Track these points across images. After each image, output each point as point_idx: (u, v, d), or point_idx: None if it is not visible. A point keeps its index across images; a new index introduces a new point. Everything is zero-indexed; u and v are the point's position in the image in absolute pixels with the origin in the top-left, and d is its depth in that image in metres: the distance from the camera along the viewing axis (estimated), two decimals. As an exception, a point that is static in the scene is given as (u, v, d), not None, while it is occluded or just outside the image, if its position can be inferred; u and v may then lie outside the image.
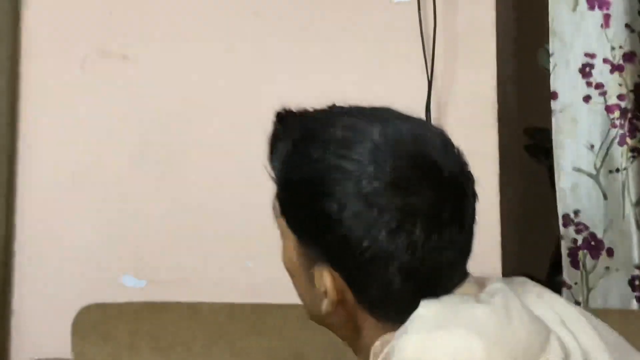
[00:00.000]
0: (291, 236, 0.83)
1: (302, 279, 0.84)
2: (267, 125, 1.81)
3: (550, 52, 1.65)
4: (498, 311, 0.74)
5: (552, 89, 1.62)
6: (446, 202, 0.75)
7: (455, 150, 0.80)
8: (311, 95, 1.81)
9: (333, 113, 0.84)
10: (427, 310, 0.74)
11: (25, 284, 1.98)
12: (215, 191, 1.88)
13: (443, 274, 0.78)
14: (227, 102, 1.89)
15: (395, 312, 0.77)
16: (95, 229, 1.95)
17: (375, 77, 1.77)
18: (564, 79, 1.62)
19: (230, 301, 1.70)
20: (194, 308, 1.68)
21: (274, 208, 0.86)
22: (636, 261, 1.56)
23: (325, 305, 0.79)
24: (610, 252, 1.57)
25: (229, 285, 1.81)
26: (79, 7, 2.02)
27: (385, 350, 0.74)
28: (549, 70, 1.68)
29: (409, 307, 0.75)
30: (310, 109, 0.87)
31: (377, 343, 0.77)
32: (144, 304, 1.73)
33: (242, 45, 1.88)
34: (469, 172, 0.80)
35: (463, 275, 0.81)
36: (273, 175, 0.85)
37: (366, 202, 0.74)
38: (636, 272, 1.56)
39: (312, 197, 0.77)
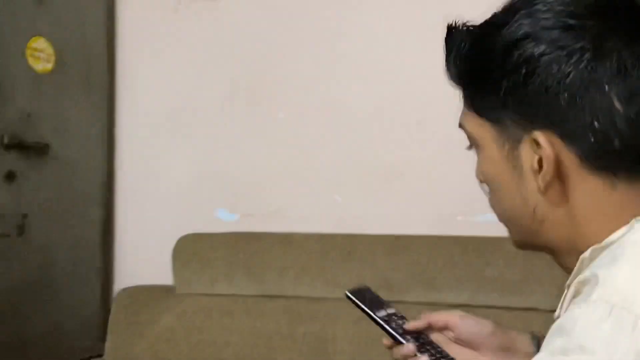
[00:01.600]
0: (487, 132, 0.74)
1: (508, 178, 0.74)
2: (351, 65, 1.83)
3: None
4: None
5: None
6: None
7: None
8: (394, 35, 1.81)
9: (509, 9, 0.72)
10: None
11: (127, 217, 2.06)
12: (304, 129, 1.89)
13: None
14: (311, 41, 1.90)
15: (625, 163, 0.67)
16: (190, 166, 1.99)
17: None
18: None
19: (320, 232, 1.73)
20: (286, 238, 1.72)
21: (461, 121, 0.78)
22: None
23: (541, 178, 0.69)
24: None
25: (319, 218, 1.83)
26: None
27: (588, 272, 0.64)
28: None
29: (635, 150, 0.67)
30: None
31: (587, 253, 0.68)
32: (239, 234, 1.79)
33: None
34: None
35: None
36: (455, 77, 0.77)
37: (562, 28, 0.67)
38: None
39: (505, 53, 0.69)
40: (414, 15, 1.78)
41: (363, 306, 0.96)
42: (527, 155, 0.70)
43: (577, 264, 0.69)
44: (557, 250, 0.75)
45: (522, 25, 0.68)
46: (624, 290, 0.60)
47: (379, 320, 0.94)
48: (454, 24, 0.76)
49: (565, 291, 0.69)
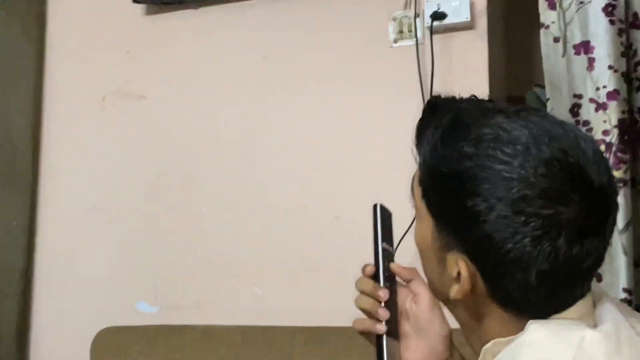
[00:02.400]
0: (429, 219, 0.80)
1: (433, 260, 0.81)
2: (273, 161, 1.87)
3: (547, 96, 1.66)
4: (608, 339, 0.70)
5: None
6: (592, 213, 0.72)
7: (605, 160, 0.75)
8: (315, 132, 1.87)
9: (484, 109, 0.78)
10: (536, 336, 0.72)
11: (45, 309, 2.01)
12: (225, 223, 1.89)
13: (578, 281, 0.75)
14: (235, 138, 1.91)
15: (525, 307, 0.75)
16: (112, 258, 1.97)
17: (377, 116, 1.79)
18: None
19: (239, 324, 1.73)
20: (206, 331, 1.73)
21: (413, 188, 0.83)
22: (624, 285, 1.58)
23: (454, 291, 0.77)
24: (599, 278, 1.59)
25: (239, 310, 1.82)
26: (100, 49, 2.09)
27: None
28: None
29: (540, 306, 0.74)
30: (461, 100, 0.83)
31: (489, 345, 0.76)
32: (159, 327, 1.78)
33: (250, 86, 1.91)
34: (615, 183, 0.76)
35: (590, 285, 0.78)
36: (417, 158, 0.82)
37: (515, 207, 0.70)
38: (624, 294, 1.58)
39: (460, 192, 0.74)
40: (333, 115, 1.83)
41: (379, 226, 0.93)
42: (450, 262, 0.77)
43: (481, 354, 0.76)
44: (464, 328, 0.83)
45: (483, 179, 0.72)
46: None
47: (380, 250, 0.93)
48: (434, 99, 0.84)
49: None
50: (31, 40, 2.10)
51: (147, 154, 1.99)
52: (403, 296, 0.95)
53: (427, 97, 1.65)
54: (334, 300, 1.76)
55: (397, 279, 0.95)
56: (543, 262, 0.71)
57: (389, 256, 0.94)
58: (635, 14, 1.62)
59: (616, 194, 0.76)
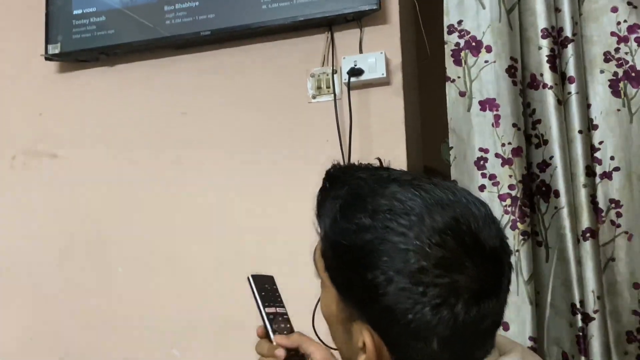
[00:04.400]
0: (332, 290, 0.82)
1: (341, 330, 0.84)
2: (189, 219, 1.86)
3: (450, 145, 1.72)
4: None
5: (452, 178, 1.72)
6: (487, 276, 0.75)
7: (496, 223, 0.78)
8: (233, 189, 1.87)
9: (379, 178, 0.81)
10: None
11: None
12: (143, 283, 1.88)
13: (479, 342, 0.78)
14: (150, 195, 1.92)
15: None
16: (18, 326, 1.93)
17: (296, 170, 1.81)
18: (462, 170, 1.71)
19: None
20: None
21: (316, 260, 0.86)
22: (530, 333, 1.63)
23: (361, 357, 0.79)
24: (505, 327, 1.63)
25: None
26: (10, 107, 2.08)
27: None
28: (450, 162, 1.75)
29: None
30: (359, 168, 0.86)
31: None
32: None
33: (167, 142, 1.92)
34: (507, 244, 0.79)
35: (492, 343, 0.81)
36: (319, 229, 0.84)
37: (413, 279, 0.73)
38: (529, 343, 1.62)
39: (359, 265, 0.76)
40: (252, 171, 1.84)
41: (257, 294, 0.97)
42: (356, 332, 0.79)
43: None
44: None
45: (381, 253, 0.74)
46: None
47: (264, 314, 0.96)
48: (332, 170, 0.86)
49: None
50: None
51: (60, 213, 1.98)
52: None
53: (346, 153, 1.72)
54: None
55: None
56: (444, 329, 0.73)
57: (277, 317, 0.97)
58: (533, 75, 1.72)
59: (508, 254, 0.78)
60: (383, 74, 1.75)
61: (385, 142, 1.75)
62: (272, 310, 0.97)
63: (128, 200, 1.93)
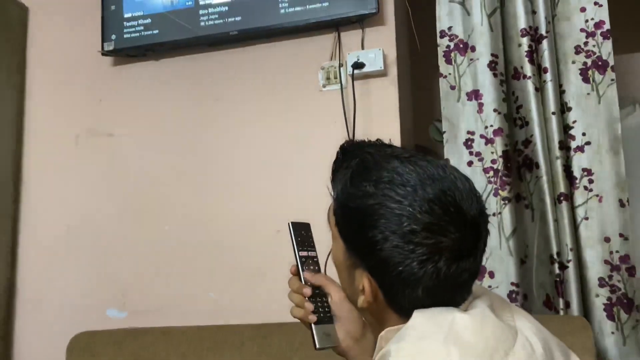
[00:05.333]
0: (340, 242, 0.90)
1: (346, 275, 0.92)
2: (223, 185, 1.96)
3: (443, 130, 1.84)
4: (473, 319, 0.82)
5: (445, 157, 1.85)
6: (466, 240, 0.82)
7: (477, 196, 0.84)
8: (258, 161, 1.99)
9: (384, 154, 0.87)
10: (417, 320, 0.82)
11: (27, 317, 2.10)
12: (184, 239, 2.01)
13: (457, 292, 0.86)
14: (190, 166, 2.03)
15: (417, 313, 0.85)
16: (86, 272, 2.07)
17: (308, 147, 1.92)
18: (454, 150, 1.85)
19: (197, 324, 1.86)
20: (168, 331, 1.87)
21: (329, 216, 0.93)
22: (512, 280, 1.75)
23: (361, 301, 0.88)
24: (491, 275, 1.78)
25: (196, 312, 1.94)
26: (73, 95, 2.20)
27: (385, 348, 0.83)
28: (438, 141, 1.85)
29: None
30: (368, 144, 0.92)
31: (383, 333, 0.88)
32: (126, 330, 1.92)
33: (203, 124, 2.04)
34: (486, 213, 0.85)
35: (469, 290, 0.88)
36: (333, 194, 0.91)
37: (404, 238, 0.80)
38: (512, 287, 1.75)
39: (362, 224, 0.83)
40: (273, 147, 1.97)
41: (293, 239, 1.04)
42: (358, 278, 0.89)
43: (378, 341, 0.90)
44: (372, 328, 0.97)
45: (381, 216, 0.82)
46: (407, 358, 0.79)
47: (297, 256, 1.03)
48: (346, 144, 0.93)
49: None
50: (14, 87, 2.19)
51: (115, 182, 2.09)
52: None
53: (351, 132, 1.85)
54: (277, 301, 1.84)
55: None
56: (428, 280, 0.82)
57: (308, 260, 1.05)
58: (515, 68, 1.85)
59: (486, 222, 0.86)
60: (381, 67, 1.88)
61: (382, 123, 1.88)
62: (304, 253, 1.04)
63: (171, 170, 2.04)
